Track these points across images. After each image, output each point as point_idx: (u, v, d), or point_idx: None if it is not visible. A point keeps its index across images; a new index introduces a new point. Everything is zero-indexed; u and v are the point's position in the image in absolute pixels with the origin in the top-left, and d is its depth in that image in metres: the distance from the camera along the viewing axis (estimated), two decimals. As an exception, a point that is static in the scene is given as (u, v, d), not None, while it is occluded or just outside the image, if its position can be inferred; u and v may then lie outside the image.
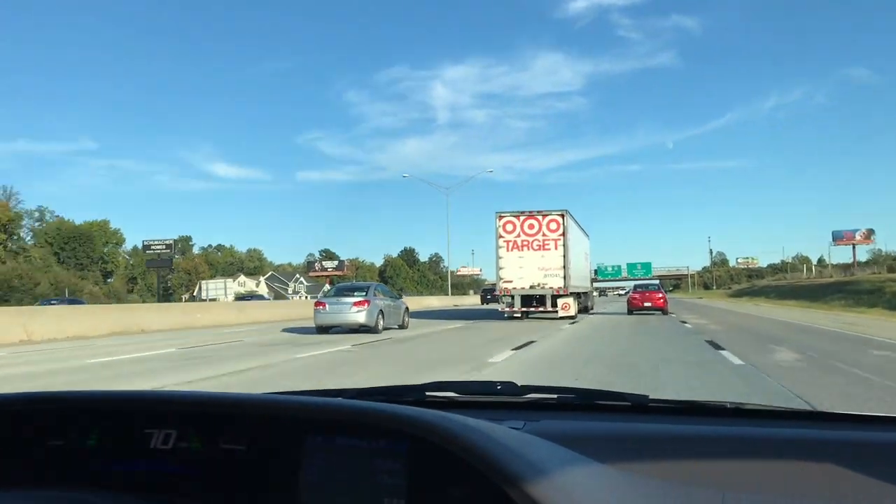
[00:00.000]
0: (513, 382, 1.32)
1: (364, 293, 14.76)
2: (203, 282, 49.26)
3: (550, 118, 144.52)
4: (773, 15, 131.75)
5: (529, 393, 1.28)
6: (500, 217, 19.62)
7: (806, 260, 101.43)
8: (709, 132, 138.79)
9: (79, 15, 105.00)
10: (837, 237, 68.24)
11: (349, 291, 15.18)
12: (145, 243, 49.48)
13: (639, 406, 1.22)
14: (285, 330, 16.52)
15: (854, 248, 67.78)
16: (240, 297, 53.37)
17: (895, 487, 0.83)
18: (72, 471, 0.92)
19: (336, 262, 73.31)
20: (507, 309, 19.51)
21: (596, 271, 56.80)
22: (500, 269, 19.42)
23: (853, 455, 0.91)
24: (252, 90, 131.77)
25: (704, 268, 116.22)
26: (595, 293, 55.89)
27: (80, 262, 64.25)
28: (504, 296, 19.52)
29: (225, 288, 49.15)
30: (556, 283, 18.85)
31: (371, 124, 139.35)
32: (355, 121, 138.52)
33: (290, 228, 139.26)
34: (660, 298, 22.45)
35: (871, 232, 68.23)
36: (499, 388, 1.32)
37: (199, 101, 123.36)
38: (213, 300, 45.41)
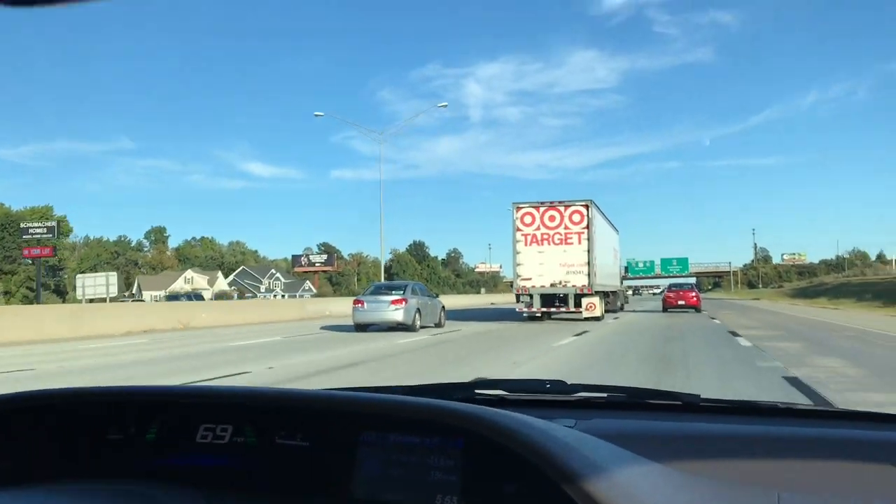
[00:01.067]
0: (562, 381, 1.46)
1: (402, 291, 16.64)
2: (79, 276, 37.47)
3: (585, 116, 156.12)
4: (809, 9, 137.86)
5: (579, 391, 1.41)
6: (518, 208, 20.08)
7: (863, 255, 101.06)
8: (747, 129, 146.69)
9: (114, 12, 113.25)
10: None
11: (387, 290, 17.00)
12: (23, 226, 43.11)
13: (690, 405, 1.34)
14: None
15: None
16: (172, 297, 50.43)
17: None
18: (133, 464, 1.03)
19: (325, 257, 70.95)
20: (526, 309, 19.99)
21: (626, 268, 56.61)
22: (518, 265, 19.90)
23: None
24: (286, 88, 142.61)
25: (746, 265, 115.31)
26: (629, 291, 56.59)
27: (8, 255, 58.20)
28: (522, 294, 20.01)
29: (107, 284, 33.63)
30: (580, 280, 19.29)
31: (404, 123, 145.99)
32: (389, 119, 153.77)
33: (307, 226, 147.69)
34: (693, 297, 27.19)
35: None
36: (548, 386, 1.45)
37: (232, 100, 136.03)
38: (96, 300, 32.79)
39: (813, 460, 1.04)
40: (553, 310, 19.91)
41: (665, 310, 27.40)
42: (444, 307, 18.99)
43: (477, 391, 1.43)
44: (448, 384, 1.50)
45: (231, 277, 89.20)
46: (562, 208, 19.67)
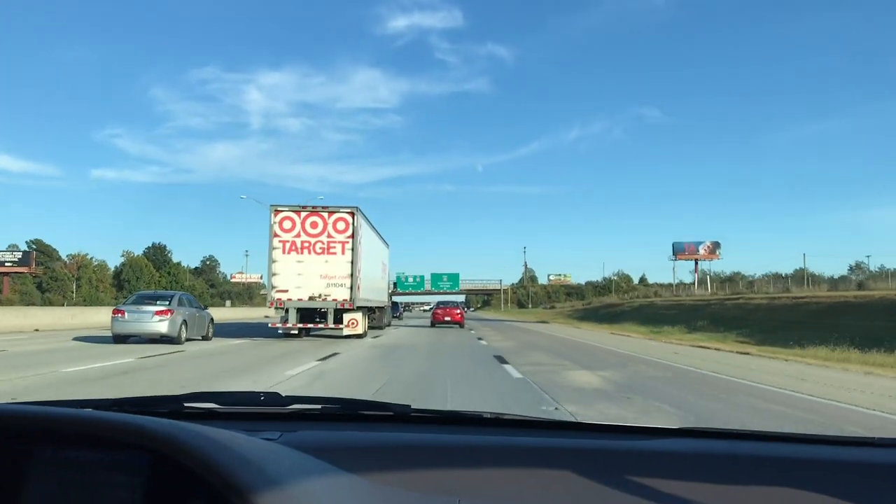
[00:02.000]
0: (277, 393, 1.57)
1: (168, 302, 17.29)
2: None
3: (367, 133, 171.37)
4: (576, 50, 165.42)
5: (294, 403, 1.52)
6: (277, 211, 19.96)
7: (627, 278, 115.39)
8: (517, 159, 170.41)
9: None
10: (678, 250, 72.84)
11: (151, 300, 17.54)
12: None
13: (402, 416, 1.51)
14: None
15: (697, 263, 72.31)
16: None
17: (626, 492, 1.10)
18: None
19: (19, 256, 64.44)
20: (281, 325, 19.88)
21: (395, 283, 58.50)
22: (274, 275, 19.73)
23: (591, 462, 1.21)
24: (44, 78, 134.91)
25: (516, 283, 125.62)
26: (402, 309, 58.38)
27: None
28: (278, 308, 19.87)
29: None
30: (342, 294, 19.74)
31: (177, 124, 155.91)
32: (161, 119, 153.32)
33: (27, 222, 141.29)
34: (458, 314, 34.06)
35: (716, 245, 71.95)
36: (262, 398, 1.56)
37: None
38: None
39: (504, 468, 1.21)
40: (311, 326, 20.08)
41: (433, 325, 33.69)
42: (212, 319, 20.00)
43: (186, 405, 1.50)
44: (157, 397, 1.56)
45: None
46: (325, 214, 19.99)
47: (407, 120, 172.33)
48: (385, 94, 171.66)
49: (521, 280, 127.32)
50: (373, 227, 24.22)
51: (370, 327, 27.92)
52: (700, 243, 72.47)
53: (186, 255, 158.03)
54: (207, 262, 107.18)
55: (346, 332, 20.13)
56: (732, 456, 1.29)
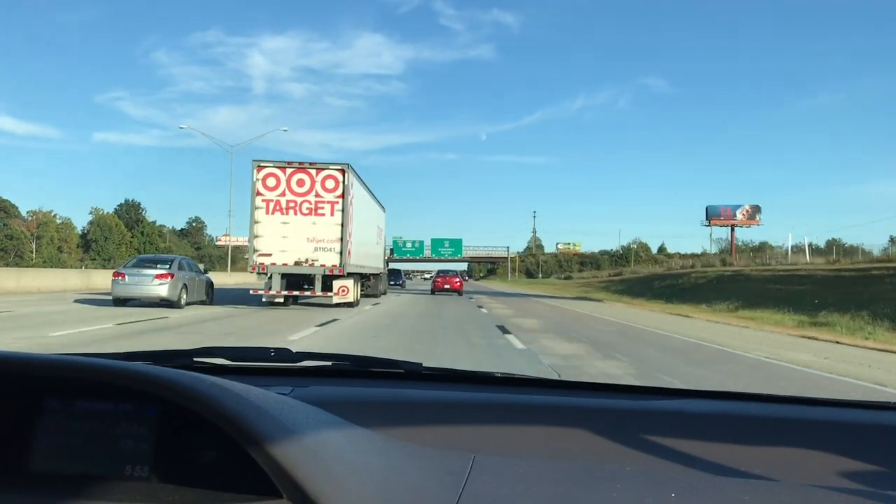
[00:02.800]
0: (287, 349, 1.66)
1: (168, 265, 18.64)
2: None
3: (371, 100, 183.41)
4: (583, 20, 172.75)
5: (304, 360, 1.62)
6: (260, 167, 19.76)
7: (645, 247, 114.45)
8: (521, 128, 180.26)
9: None
10: (713, 215, 67.68)
11: (151, 263, 18.94)
12: None
13: (412, 373, 1.62)
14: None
15: (733, 230, 67.41)
16: None
17: (635, 449, 1.23)
18: None
19: None
20: (264, 291, 19.85)
21: (392, 250, 57.54)
22: (256, 237, 19.63)
23: (603, 420, 1.33)
24: (47, 41, 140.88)
25: (523, 251, 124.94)
26: (404, 277, 57.75)
27: None
28: (260, 273, 19.82)
29: None
30: (331, 259, 19.66)
31: (180, 88, 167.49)
32: (163, 83, 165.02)
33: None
34: (457, 282, 39.25)
35: (755, 210, 66.98)
36: (273, 354, 1.64)
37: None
38: None
39: (516, 425, 1.30)
40: (297, 293, 20.04)
41: (433, 292, 38.26)
42: (212, 284, 21.48)
43: (196, 359, 1.58)
44: (167, 351, 1.64)
45: None
46: (313, 172, 19.79)
47: (411, 87, 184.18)
48: (389, 60, 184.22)
49: (529, 247, 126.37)
50: (366, 187, 24.05)
51: (364, 295, 28.01)
52: (738, 207, 67.76)
53: (173, 218, 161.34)
54: (194, 224, 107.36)
55: (335, 300, 20.12)
56: (742, 417, 1.40)
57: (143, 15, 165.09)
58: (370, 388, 1.53)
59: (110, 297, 18.70)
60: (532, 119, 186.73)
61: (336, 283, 20.08)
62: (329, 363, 1.69)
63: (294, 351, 1.66)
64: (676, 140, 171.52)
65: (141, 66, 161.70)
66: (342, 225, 19.75)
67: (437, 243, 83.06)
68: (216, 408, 0.90)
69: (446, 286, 38.32)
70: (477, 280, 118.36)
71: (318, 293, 19.79)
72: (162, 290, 17.79)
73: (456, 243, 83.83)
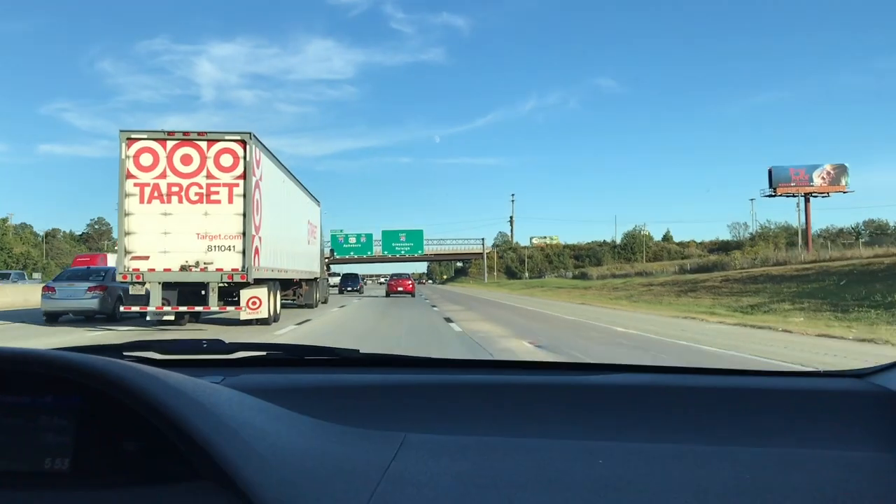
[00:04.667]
0: (220, 340, 1.72)
1: (101, 277, 17.90)
2: None
3: (322, 105, 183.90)
4: (534, 20, 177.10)
5: (238, 350, 1.70)
6: (130, 140, 14.69)
7: (646, 236, 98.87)
8: (474, 130, 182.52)
9: None
10: (780, 180, 51.52)
11: (83, 275, 18.22)
12: None
13: (348, 360, 1.69)
14: None
15: (807, 200, 51.34)
16: None
17: (562, 422, 1.30)
18: None
19: None
20: (139, 309, 14.91)
21: (332, 249, 49.04)
22: (128, 234, 14.59)
23: (532, 395, 1.41)
24: None
25: (500, 244, 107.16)
26: (362, 281, 51.65)
27: None
28: (135, 282, 14.77)
29: None
30: (230, 261, 14.67)
31: (128, 97, 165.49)
32: (111, 93, 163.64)
33: None
34: (409, 284, 41.56)
35: (840, 171, 50.70)
36: (205, 345, 1.71)
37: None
38: None
39: (443, 402, 1.37)
40: (188, 310, 15.06)
41: (388, 294, 40.37)
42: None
43: (125, 353, 1.61)
44: (96, 346, 1.64)
45: None
46: (203, 145, 14.76)
47: (363, 91, 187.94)
48: (340, 65, 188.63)
49: (506, 240, 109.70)
50: (286, 170, 19.19)
51: (298, 305, 23.16)
52: (816, 167, 52.17)
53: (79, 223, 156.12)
54: (95, 227, 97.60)
55: (244, 315, 15.26)
56: (666, 387, 1.49)
57: (85, 24, 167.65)
58: (304, 375, 1.54)
59: (41, 312, 17.70)
60: (485, 120, 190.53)
61: (245, 294, 15.16)
62: (263, 353, 1.73)
63: (227, 342, 1.68)
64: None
65: (86, 75, 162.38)
66: (244, 215, 14.73)
67: (389, 237, 71.10)
68: (132, 390, 0.89)
69: (399, 289, 40.84)
70: (441, 283, 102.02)
71: (213, 307, 14.81)
72: (94, 303, 17.23)
73: (415, 236, 72.33)
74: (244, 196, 14.76)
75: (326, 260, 31.86)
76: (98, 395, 0.92)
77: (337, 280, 52.54)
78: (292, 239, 20.14)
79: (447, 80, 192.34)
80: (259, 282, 15.52)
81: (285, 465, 0.88)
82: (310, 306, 23.76)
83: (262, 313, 15.59)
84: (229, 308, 15.36)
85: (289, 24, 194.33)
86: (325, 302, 28.18)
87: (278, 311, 17.73)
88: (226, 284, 14.76)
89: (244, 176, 14.79)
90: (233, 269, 14.64)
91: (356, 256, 71.24)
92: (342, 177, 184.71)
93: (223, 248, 14.66)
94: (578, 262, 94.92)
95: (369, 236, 70.45)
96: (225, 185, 14.76)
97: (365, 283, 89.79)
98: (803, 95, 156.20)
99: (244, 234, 14.71)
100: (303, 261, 22.06)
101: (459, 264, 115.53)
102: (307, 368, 1.63)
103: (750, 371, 1.59)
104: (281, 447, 0.93)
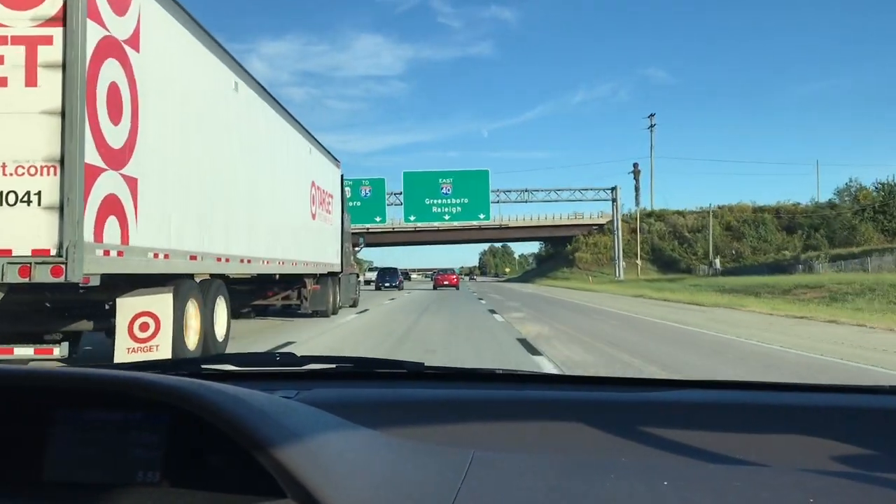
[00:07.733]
0: (292, 353, 1.78)
1: None
2: None
3: (371, 101, 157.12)
4: (582, 13, 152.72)
5: (309, 363, 1.75)
6: None
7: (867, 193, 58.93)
8: (522, 123, 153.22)
9: None
10: None
11: None
12: None
13: (415, 373, 1.70)
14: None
15: None
16: None
17: (630, 441, 1.24)
18: None
19: None
20: None
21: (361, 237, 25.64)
22: None
23: (599, 413, 1.35)
24: None
25: (628, 213, 62.31)
26: (401, 276, 39.14)
27: None
28: None
29: None
30: (24, 231, 5.87)
31: None
32: None
33: None
34: (454, 278, 45.21)
35: None
36: (278, 359, 1.77)
37: None
38: None
39: (513, 421, 1.33)
40: None
41: (435, 288, 42.51)
42: None
43: (204, 366, 1.68)
44: (175, 360, 2.02)
45: None
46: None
47: (411, 87, 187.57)
48: (388, 61, 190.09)
49: (645, 208, 62.74)
50: (262, 89, 10.43)
51: (303, 314, 14.86)
52: None
53: None
54: None
55: (118, 356, 6.67)
56: (734, 405, 1.43)
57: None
58: (373, 389, 1.57)
59: None
60: (534, 113, 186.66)
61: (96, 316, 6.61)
62: (333, 366, 1.76)
63: (298, 355, 1.74)
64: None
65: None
66: (66, 115, 5.84)
67: (419, 186, 42.64)
68: (220, 413, 0.91)
69: (445, 283, 43.24)
70: (503, 281, 63.78)
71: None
72: None
73: (480, 175, 44.64)
74: (64, 68, 5.88)
75: (356, 249, 22.53)
76: (186, 413, 0.94)
77: (373, 276, 45.80)
78: (274, 202, 11.40)
79: (495, 73, 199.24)
80: (145, 281, 6.83)
81: (363, 484, 0.91)
82: (323, 314, 15.29)
83: (163, 349, 6.92)
84: (51, 346, 6.69)
85: (337, 21, 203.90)
86: (353, 305, 19.79)
87: (227, 335, 9.04)
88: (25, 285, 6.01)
89: (64, 19, 5.92)
90: (33, 252, 5.82)
91: (376, 228, 46.79)
92: (390, 172, 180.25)
93: (3, 200, 5.85)
94: (788, 235, 59.45)
95: (379, 184, 40.86)
96: (15, 40, 5.94)
97: (408, 278, 72.23)
98: None
99: (62, 161, 5.83)
100: (306, 245, 13.45)
101: (553, 248, 72.11)
102: (376, 382, 1.67)
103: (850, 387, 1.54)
104: (358, 465, 0.96)
